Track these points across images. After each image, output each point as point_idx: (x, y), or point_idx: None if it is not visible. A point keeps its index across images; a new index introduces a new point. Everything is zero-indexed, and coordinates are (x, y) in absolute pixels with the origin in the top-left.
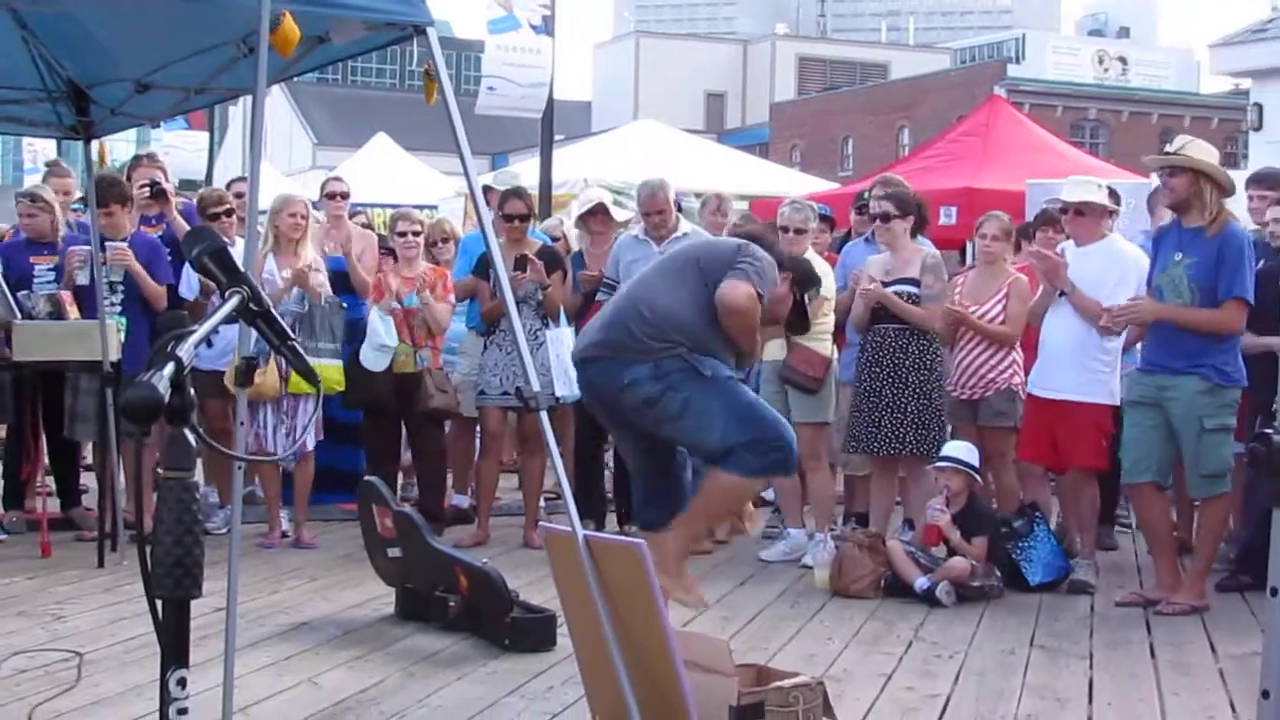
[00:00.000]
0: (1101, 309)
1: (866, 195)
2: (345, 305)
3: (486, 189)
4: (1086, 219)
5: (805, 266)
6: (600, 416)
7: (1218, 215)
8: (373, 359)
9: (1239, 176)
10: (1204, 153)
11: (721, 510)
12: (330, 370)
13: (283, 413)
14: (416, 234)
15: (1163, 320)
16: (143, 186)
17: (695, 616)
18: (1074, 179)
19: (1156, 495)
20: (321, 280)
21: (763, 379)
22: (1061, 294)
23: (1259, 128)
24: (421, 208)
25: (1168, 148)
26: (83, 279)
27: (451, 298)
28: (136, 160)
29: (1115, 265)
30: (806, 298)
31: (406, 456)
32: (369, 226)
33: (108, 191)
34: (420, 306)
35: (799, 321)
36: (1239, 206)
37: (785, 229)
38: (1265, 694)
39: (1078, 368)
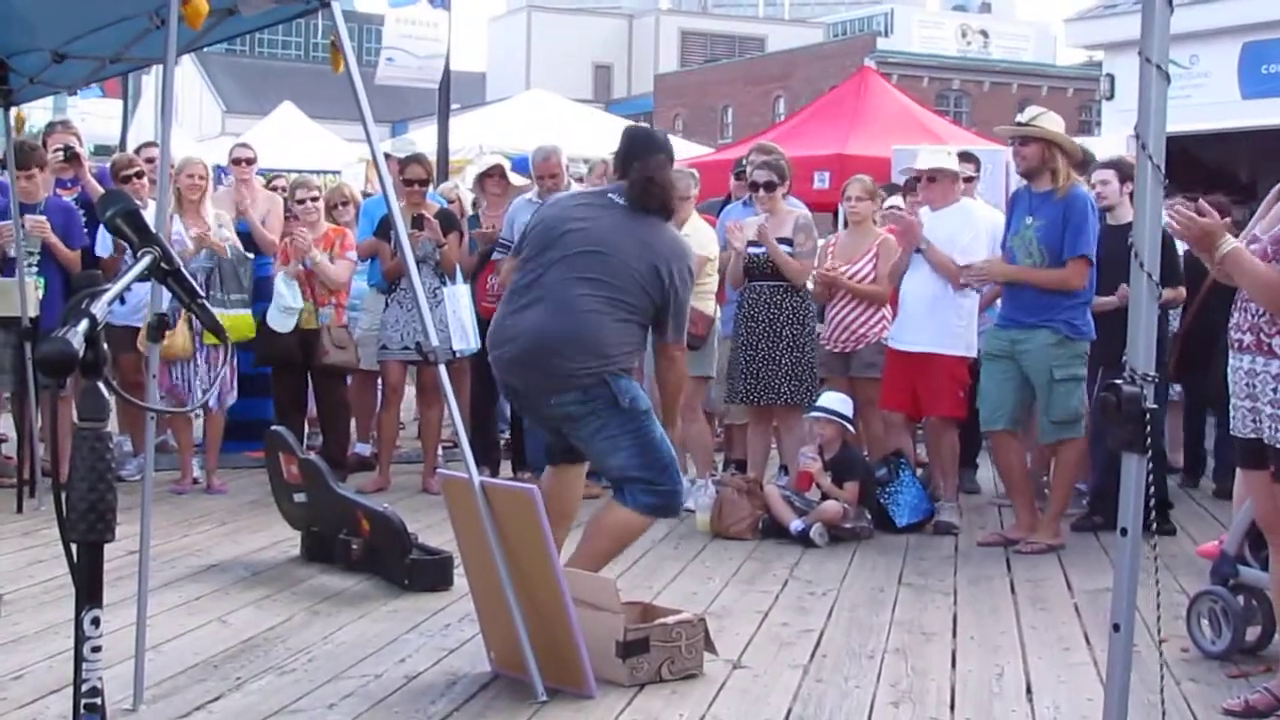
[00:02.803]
0: (956, 267)
1: (744, 163)
2: (251, 257)
3: (385, 156)
4: (939, 184)
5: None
6: (515, 404)
7: (1067, 180)
8: (278, 320)
9: (1094, 143)
10: (1054, 123)
11: (612, 548)
12: (240, 320)
13: (199, 364)
14: (314, 199)
15: (1011, 279)
16: (57, 151)
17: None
18: (927, 148)
19: (1012, 441)
20: (226, 235)
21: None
22: (919, 251)
23: (1111, 97)
24: (325, 173)
25: (1020, 117)
26: (10, 249)
27: (352, 254)
28: (51, 127)
29: (967, 225)
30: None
31: (314, 407)
32: (287, 191)
33: (27, 156)
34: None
35: None
36: None
37: None
38: (1116, 627)
39: (934, 322)
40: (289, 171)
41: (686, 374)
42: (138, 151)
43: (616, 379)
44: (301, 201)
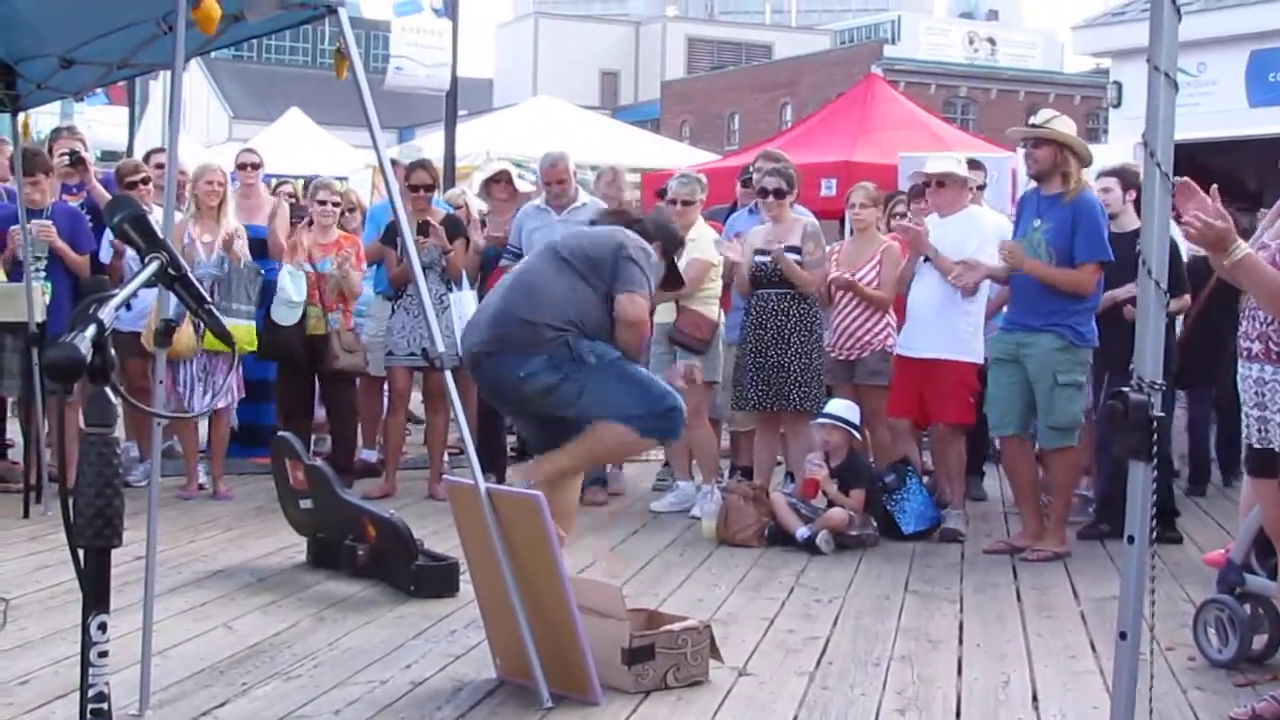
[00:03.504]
0: (959, 262)
1: (750, 170)
2: (262, 271)
3: (393, 163)
4: (947, 190)
5: (669, 230)
6: (500, 405)
7: (1077, 183)
8: (282, 313)
9: (1101, 150)
10: (1067, 127)
11: (602, 454)
12: (243, 330)
13: (200, 371)
14: (335, 204)
15: (1027, 270)
16: (62, 155)
17: (591, 564)
18: (936, 155)
19: (1021, 447)
20: (243, 246)
21: (653, 340)
22: (926, 260)
23: (1118, 105)
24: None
25: (1032, 120)
26: (19, 254)
27: (364, 265)
28: (57, 133)
29: (975, 232)
30: (675, 257)
31: (320, 413)
32: (294, 197)
33: (32, 162)
34: (331, 272)
35: (673, 279)
36: None
37: (674, 201)
38: (1123, 635)
39: (942, 328)
40: (296, 178)
41: (646, 321)
42: (146, 158)
43: (579, 340)
44: (323, 203)
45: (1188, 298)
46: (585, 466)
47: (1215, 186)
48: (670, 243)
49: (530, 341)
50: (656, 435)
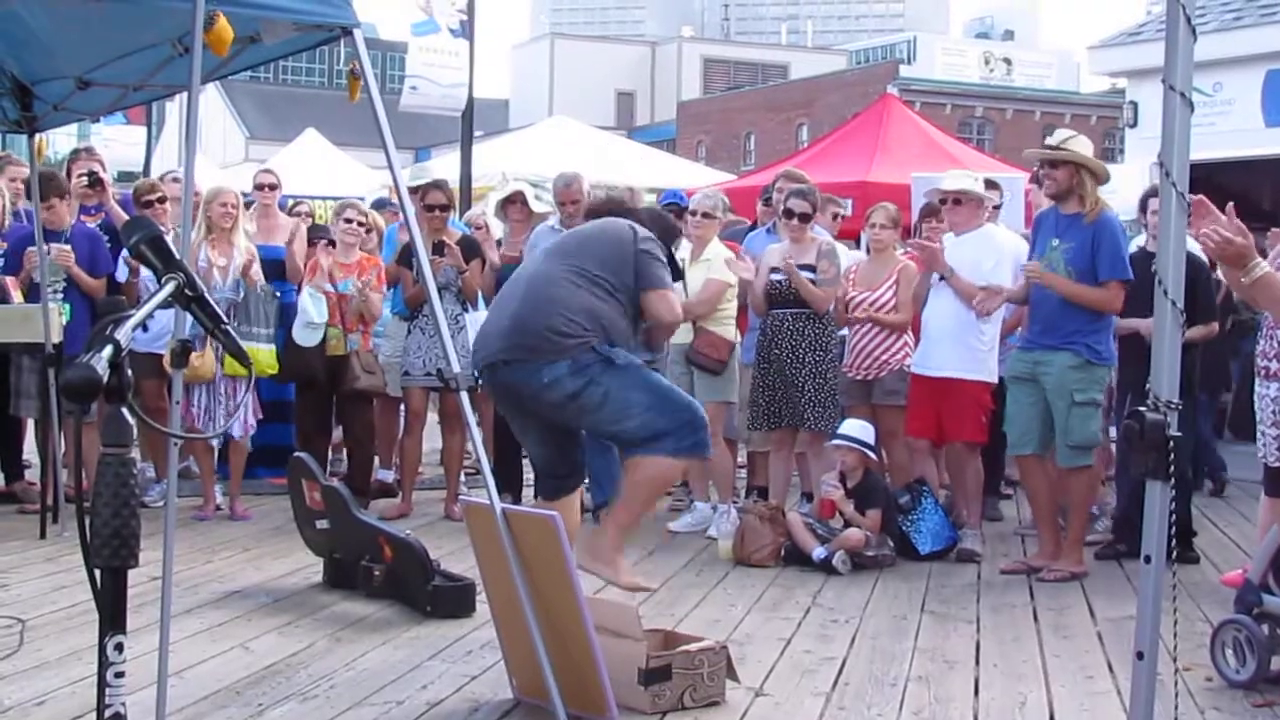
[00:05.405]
0: (979, 290)
1: (772, 190)
2: (278, 294)
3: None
4: (963, 208)
5: (665, 221)
6: (512, 414)
7: (1096, 203)
8: (303, 335)
9: (1117, 170)
10: (1084, 147)
11: (651, 496)
12: (263, 354)
13: (218, 393)
14: (361, 224)
15: (1057, 289)
16: (81, 176)
17: (607, 584)
18: (953, 172)
19: (1039, 466)
20: (257, 269)
21: (670, 360)
22: (941, 278)
23: (1134, 124)
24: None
25: (1049, 141)
26: (35, 276)
27: (384, 287)
28: (75, 154)
29: (991, 251)
30: (673, 249)
31: (337, 433)
32: (311, 217)
33: (47, 185)
34: (352, 294)
35: (671, 271)
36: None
37: (694, 212)
38: (1140, 655)
39: (958, 347)
40: (312, 198)
41: (676, 311)
42: (162, 178)
43: (603, 344)
44: (349, 221)
45: (1215, 325)
46: (644, 511)
47: (1231, 205)
48: (666, 233)
49: (553, 348)
50: (689, 454)
